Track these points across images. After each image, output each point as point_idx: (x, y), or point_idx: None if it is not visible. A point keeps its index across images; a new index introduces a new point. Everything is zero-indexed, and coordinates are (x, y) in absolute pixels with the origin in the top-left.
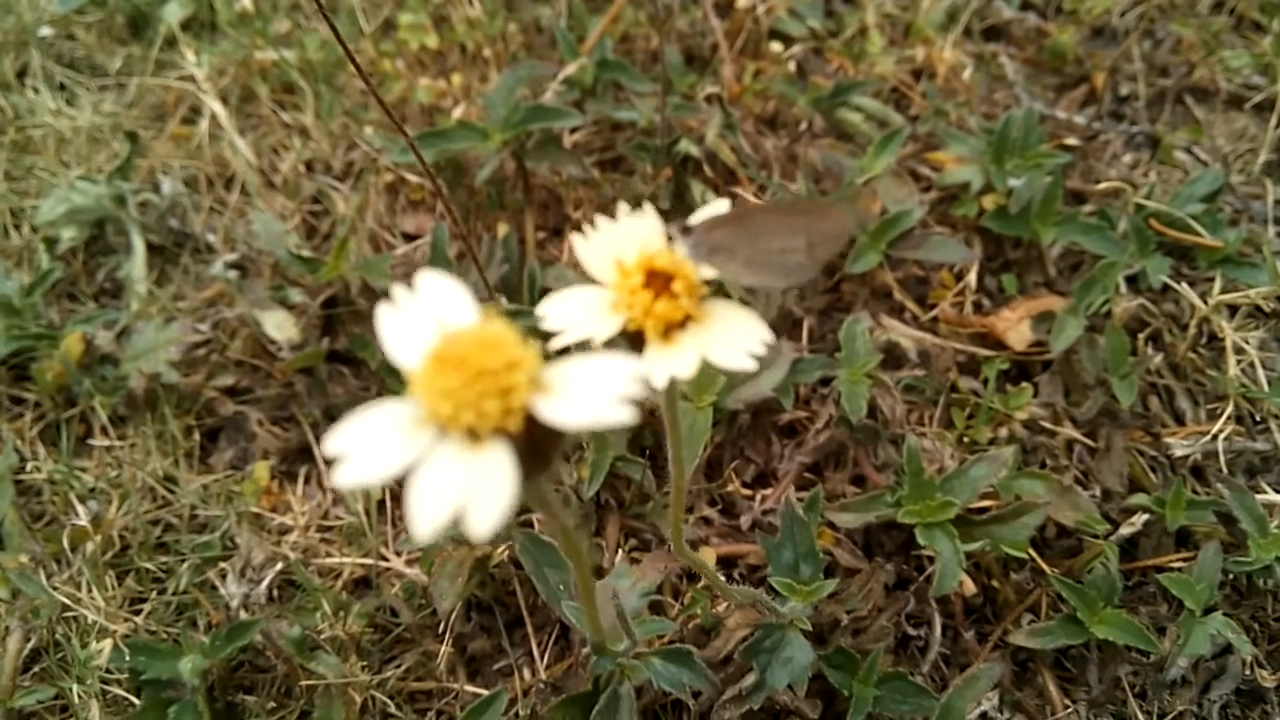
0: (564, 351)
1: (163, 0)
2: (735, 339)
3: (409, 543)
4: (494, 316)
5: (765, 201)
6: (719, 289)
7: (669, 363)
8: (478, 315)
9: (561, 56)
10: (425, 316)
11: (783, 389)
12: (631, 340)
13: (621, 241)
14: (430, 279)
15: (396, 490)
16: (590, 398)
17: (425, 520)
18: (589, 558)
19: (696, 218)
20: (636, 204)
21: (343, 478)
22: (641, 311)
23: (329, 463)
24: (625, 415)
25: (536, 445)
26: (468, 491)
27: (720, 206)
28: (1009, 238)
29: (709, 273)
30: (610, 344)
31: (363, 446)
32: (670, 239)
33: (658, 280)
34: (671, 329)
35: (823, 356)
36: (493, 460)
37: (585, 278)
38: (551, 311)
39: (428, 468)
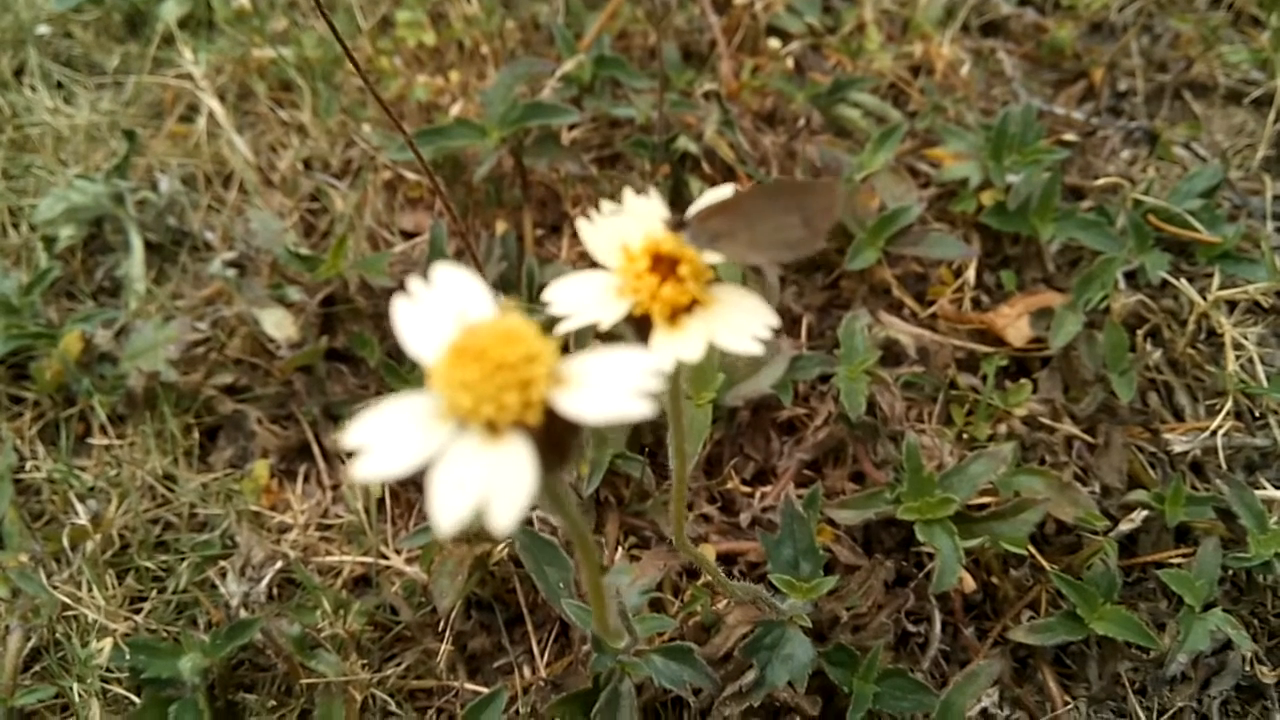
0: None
1: None
2: (742, 323)
3: (409, 541)
4: (511, 309)
5: (751, 187)
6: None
7: (676, 347)
8: (494, 308)
9: (559, 53)
10: (441, 309)
11: (782, 386)
12: (637, 325)
13: (627, 226)
14: (446, 272)
15: (396, 488)
16: (609, 391)
17: (447, 513)
18: (596, 553)
19: (690, 211)
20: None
21: (363, 470)
22: (648, 295)
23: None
24: (644, 409)
25: (554, 439)
26: (488, 485)
27: (724, 192)
28: (1007, 234)
29: (714, 258)
30: (616, 328)
31: (383, 439)
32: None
33: (664, 264)
34: (678, 313)
35: (821, 353)
36: (512, 453)
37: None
38: (558, 296)
39: (447, 461)
